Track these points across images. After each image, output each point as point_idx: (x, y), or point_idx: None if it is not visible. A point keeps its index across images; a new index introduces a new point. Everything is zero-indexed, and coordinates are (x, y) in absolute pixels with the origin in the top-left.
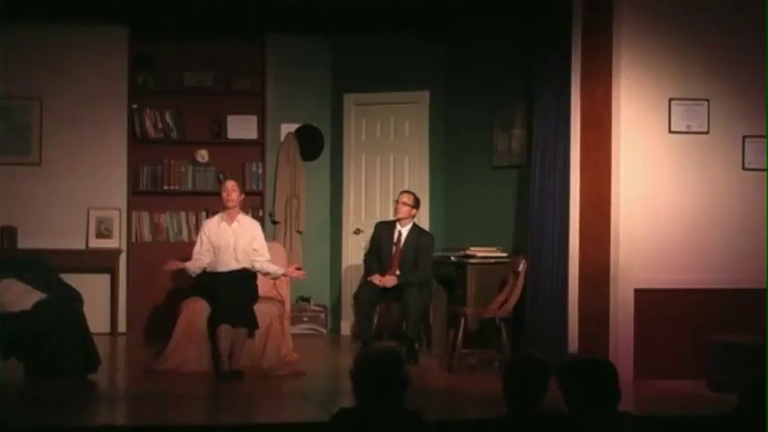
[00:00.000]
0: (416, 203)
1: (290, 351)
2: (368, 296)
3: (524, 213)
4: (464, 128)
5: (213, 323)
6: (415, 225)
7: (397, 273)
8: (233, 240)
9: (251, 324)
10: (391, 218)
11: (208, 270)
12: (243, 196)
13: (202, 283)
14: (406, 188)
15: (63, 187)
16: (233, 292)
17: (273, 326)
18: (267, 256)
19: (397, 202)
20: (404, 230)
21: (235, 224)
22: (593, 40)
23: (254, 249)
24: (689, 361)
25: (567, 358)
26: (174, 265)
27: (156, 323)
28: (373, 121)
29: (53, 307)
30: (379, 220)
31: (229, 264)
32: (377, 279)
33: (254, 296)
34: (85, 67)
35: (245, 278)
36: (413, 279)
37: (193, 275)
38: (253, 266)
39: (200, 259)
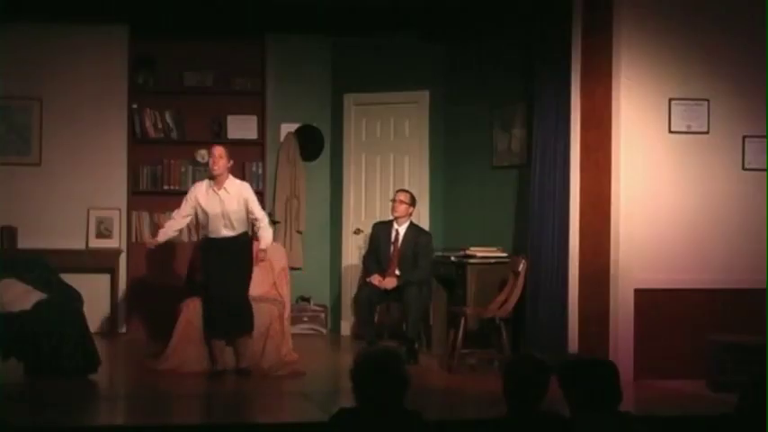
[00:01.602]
0: (413, 201)
1: (290, 351)
2: (368, 297)
3: (524, 213)
4: (464, 128)
5: (206, 330)
6: (412, 223)
7: (397, 272)
8: (220, 209)
9: (247, 328)
10: (389, 217)
11: (208, 236)
12: (231, 163)
13: (204, 250)
14: (406, 188)
15: (63, 187)
16: (225, 300)
17: (273, 326)
18: (264, 219)
19: (393, 200)
20: (401, 229)
21: (222, 191)
22: (593, 40)
23: (254, 218)
24: (689, 361)
25: (567, 358)
26: (152, 242)
27: (156, 323)
28: (373, 121)
29: (53, 307)
30: (379, 220)
31: (220, 231)
32: (376, 280)
33: (248, 278)
34: (85, 67)
35: (240, 255)
36: (412, 278)
37: (162, 242)
38: (253, 229)
39: (176, 221)
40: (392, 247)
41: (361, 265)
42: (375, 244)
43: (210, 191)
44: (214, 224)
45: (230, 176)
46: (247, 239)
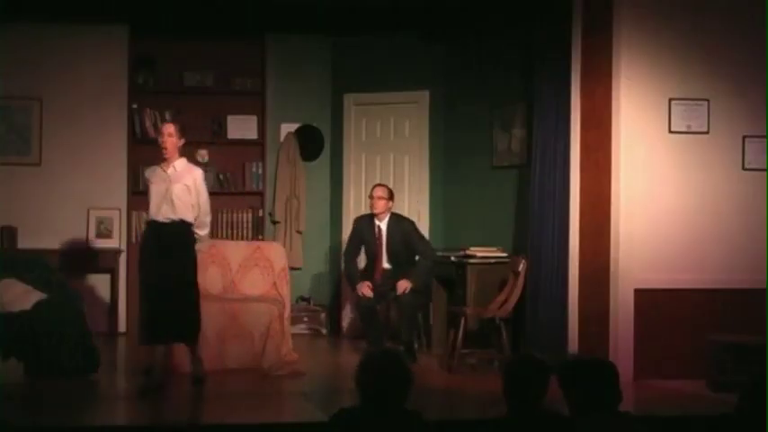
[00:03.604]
0: (391, 195)
1: (290, 351)
2: (367, 306)
3: (524, 213)
4: (464, 128)
5: (151, 333)
6: (392, 215)
7: (386, 265)
8: (165, 186)
9: (186, 339)
10: (369, 214)
11: (149, 218)
12: (183, 141)
13: (144, 235)
14: (405, 188)
15: (63, 187)
16: (169, 305)
17: (273, 326)
18: (205, 215)
19: (371, 197)
20: (383, 225)
21: (170, 169)
22: (593, 40)
23: (197, 212)
24: (689, 361)
25: (567, 358)
26: None
27: None
28: (373, 121)
29: (53, 307)
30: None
31: (160, 210)
32: (365, 290)
33: (189, 276)
34: (85, 67)
35: (180, 247)
36: (425, 269)
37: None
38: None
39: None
40: (377, 244)
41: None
42: (358, 238)
43: (159, 169)
44: (155, 203)
45: (183, 158)
46: (190, 232)
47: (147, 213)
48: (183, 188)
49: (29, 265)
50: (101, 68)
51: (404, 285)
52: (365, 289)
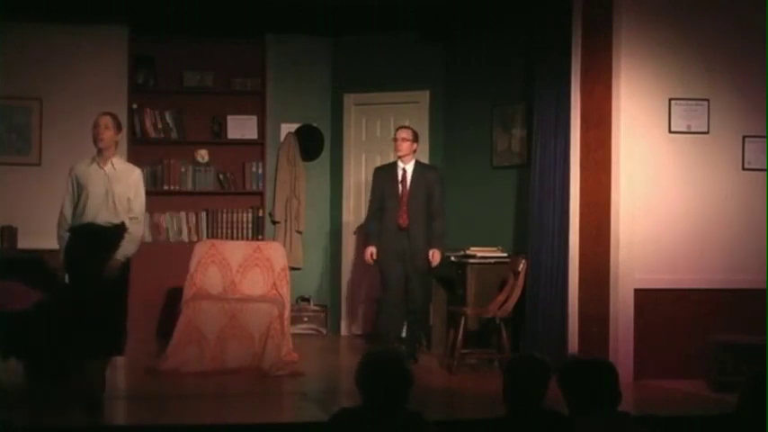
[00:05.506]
0: (416, 137)
1: (290, 351)
2: (392, 301)
3: (524, 213)
4: (464, 127)
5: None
6: (418, 161)
7: (407, 222)
8: (104, 187)
9: (115, 350)
10: (390, 161)
11: (77, 223)
12: (120, 135)
13: (72, 240)
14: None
15: (63, 187)
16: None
17: (273, 326)
18: (139, 221)
19: (395, 139)
20: (408, 168)
21: (108, 167)
22: (593, 39)
23: (132, 214)
24: (689, 361)
25: (567, 358)
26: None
27: (157, 323)
28: (373, 121)
29: (53, 307)
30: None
31: (99, 213)
32: (369, 255)
33: (123, 289)
34: (85, 66)
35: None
36: (439, 234)
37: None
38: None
39: (66, 216)
40: (401, 187)
41: (361, 266)
42: (379, 192)
43: (94, 165)
44: (93, 205)
45: (118, 155)
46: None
47: (65, 213)
48: (123, 190)
49: (29, 265)
50: (101, 68)
51: (437, 257)
52: (368, 255)
